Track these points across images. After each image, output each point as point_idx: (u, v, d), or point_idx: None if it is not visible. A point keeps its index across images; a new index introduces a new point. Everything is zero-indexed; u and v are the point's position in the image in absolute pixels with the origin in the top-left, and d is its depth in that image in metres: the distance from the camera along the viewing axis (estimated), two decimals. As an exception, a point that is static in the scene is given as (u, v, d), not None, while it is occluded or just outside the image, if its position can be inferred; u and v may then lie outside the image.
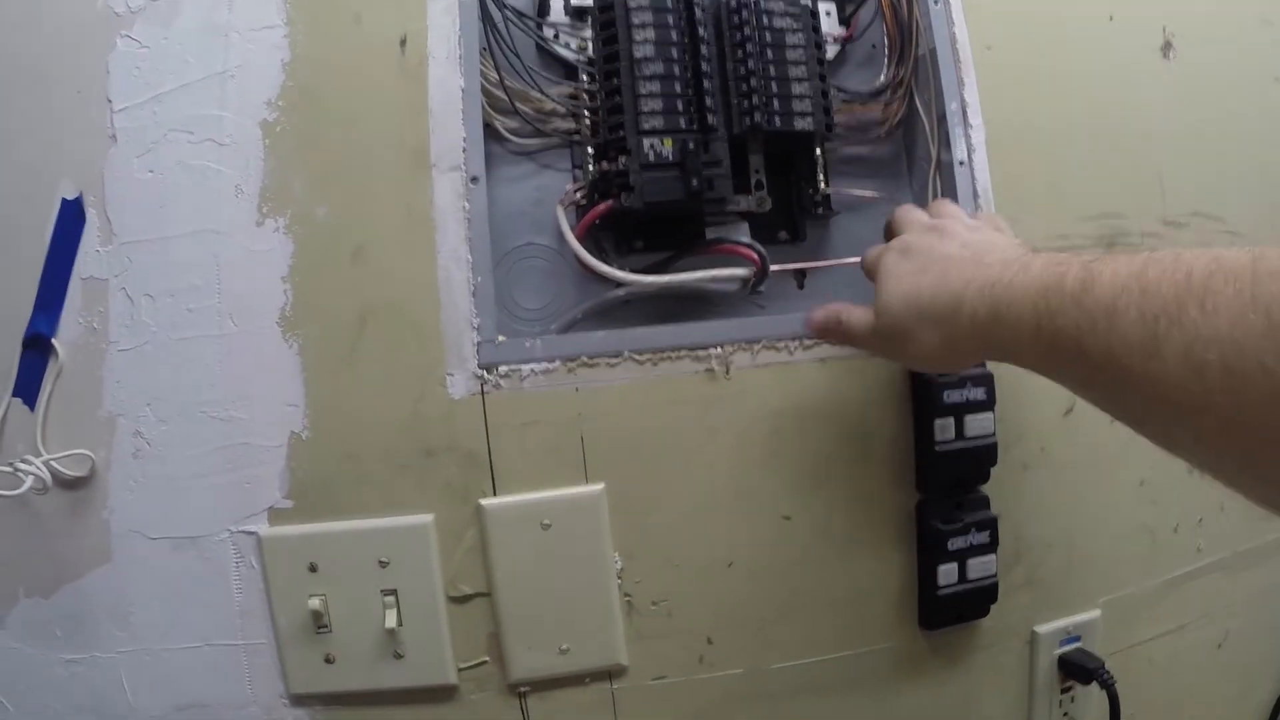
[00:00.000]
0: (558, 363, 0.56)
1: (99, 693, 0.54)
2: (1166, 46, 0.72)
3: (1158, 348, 0.31)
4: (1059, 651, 0.66)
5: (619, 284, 0.58)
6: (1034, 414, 0.64)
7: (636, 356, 0.57)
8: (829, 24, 0.64)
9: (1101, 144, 0.68)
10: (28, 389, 0.53)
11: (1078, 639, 0.67)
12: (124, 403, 0.53)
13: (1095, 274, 0.35)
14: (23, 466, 0.51)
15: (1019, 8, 0.68)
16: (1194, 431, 0.32)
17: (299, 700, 0.56)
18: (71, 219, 0.53)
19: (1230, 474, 0.32)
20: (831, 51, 0.64)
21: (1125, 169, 0.69)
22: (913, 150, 0.67)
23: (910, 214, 0.55)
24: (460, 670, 0.56)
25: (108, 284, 0.53)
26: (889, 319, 0.48)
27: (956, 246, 0.47)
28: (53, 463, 0.52)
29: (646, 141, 0.55)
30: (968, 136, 0.63)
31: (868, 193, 0.65)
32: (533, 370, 0.56)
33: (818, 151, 0.61)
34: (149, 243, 0.53)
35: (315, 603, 0.54)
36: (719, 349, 0.58)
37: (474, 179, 0.55)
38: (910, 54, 0.65)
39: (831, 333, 0.54)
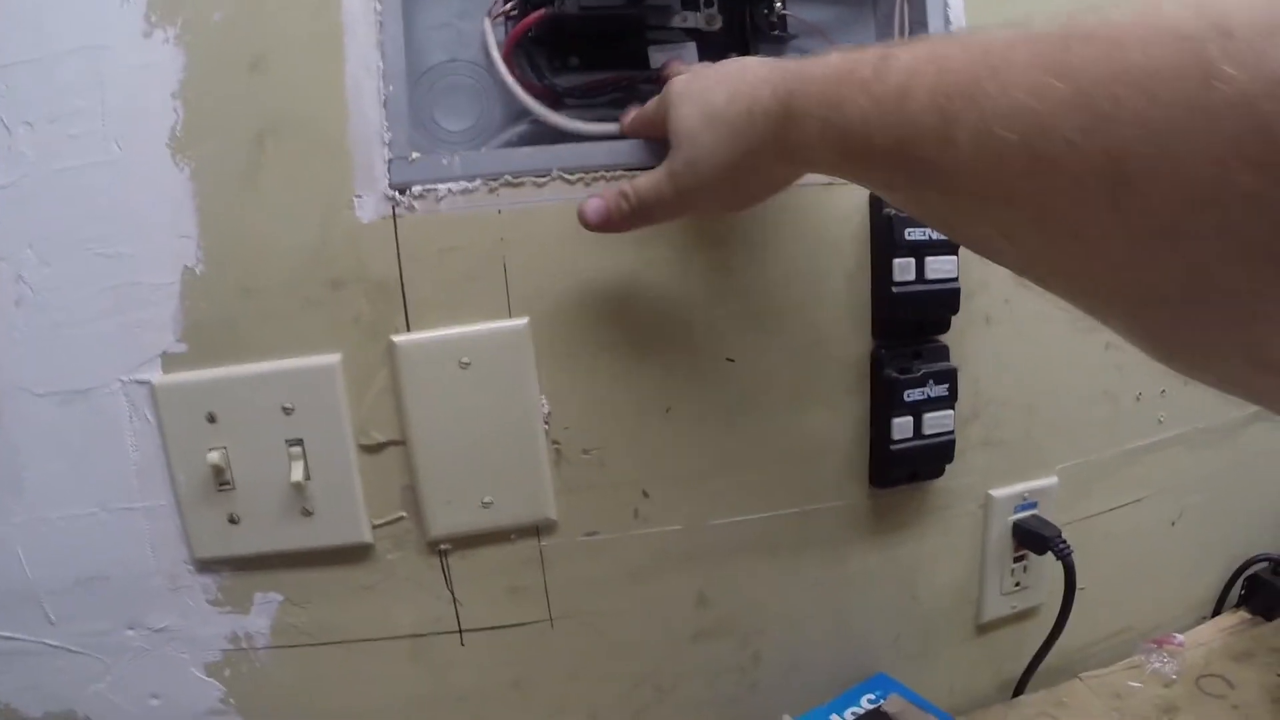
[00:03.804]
0: (478, 181, 0.51)
1: (-6, 568, 0.51)
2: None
3: (950, 132, 0.26)
4: (1014, 518, 0.64)
5: (557, 128, 0.53)
6: (999, 263, 0.61)
7: (567, 176, 0.52)
8: None
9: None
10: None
11: (1034, 505, 0.65)
12: (3, 245, 0.49)
13: (891, 57, 0.30)
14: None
15: None
16: (1001, 228, 0.27)
17: (204, 566, 0.54)
18: (-60, 47, 0.47)
19: (1045, 280, 0.28)
20: None
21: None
22: (878, -28, 0.61)
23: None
24: (375, 527, 0.54)
25: (-18, 114, 0.48)
26: (684, 142, 0.43)
27: (755, 61, 0.43)
28: (-74, 319, 0.48)
29: (584, -60, 0.50)
30: (939, -43, 0.58)
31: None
32: (450, 190, 0.51)
33: (774, -34, 0.56)
34: (26, 64, 0.48)
35: (215, 456, 0.51)
36: (659, 169, 0.53)
37: (387, -23, 0.50)
38: None
39: (618, 215, 0.47)
